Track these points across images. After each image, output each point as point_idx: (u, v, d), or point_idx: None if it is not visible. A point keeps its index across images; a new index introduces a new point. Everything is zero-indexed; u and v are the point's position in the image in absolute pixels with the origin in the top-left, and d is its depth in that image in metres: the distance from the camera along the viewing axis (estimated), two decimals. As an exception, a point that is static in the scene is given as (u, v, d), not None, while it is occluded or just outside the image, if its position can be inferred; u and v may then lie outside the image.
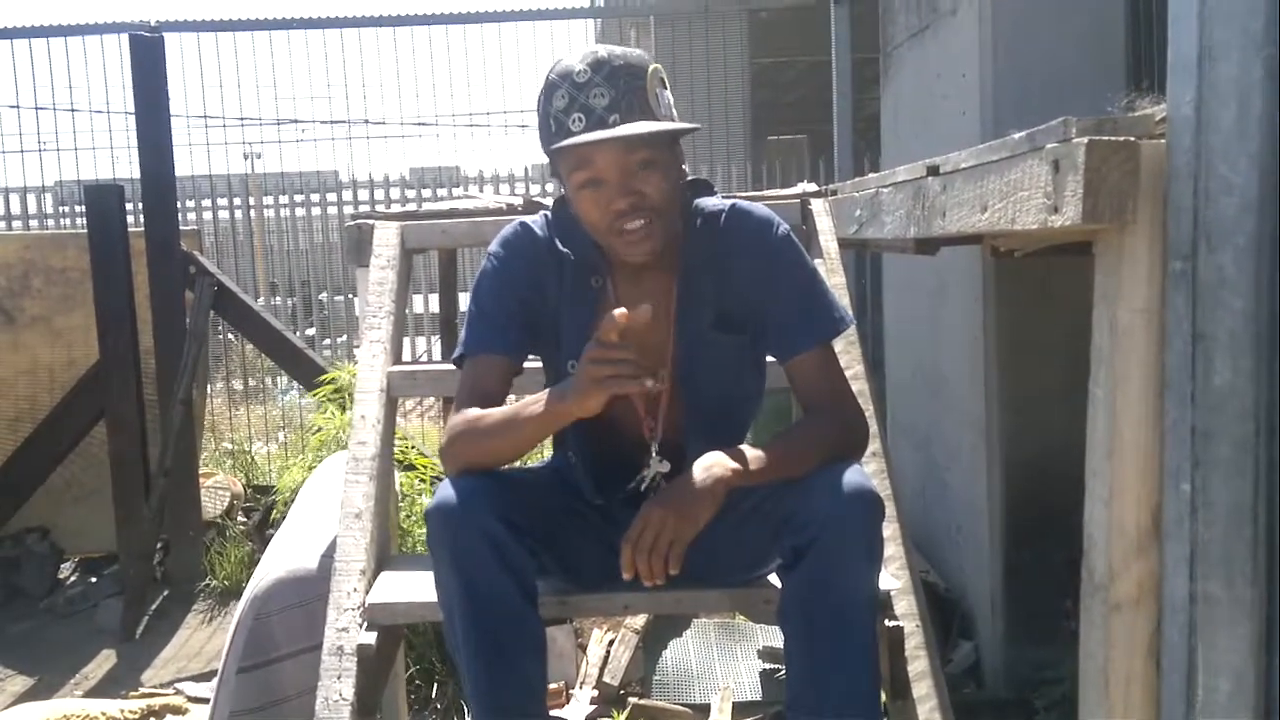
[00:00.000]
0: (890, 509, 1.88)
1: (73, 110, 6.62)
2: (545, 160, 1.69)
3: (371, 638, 1.78)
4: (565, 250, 1.72)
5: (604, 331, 1.49)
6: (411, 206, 4.90)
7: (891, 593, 1.81)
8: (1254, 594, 1.30)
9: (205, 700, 2.69)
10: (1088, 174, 1.29)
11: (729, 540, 1.66)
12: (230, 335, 6.63)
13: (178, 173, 4.56)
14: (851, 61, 5.15)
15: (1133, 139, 1.32)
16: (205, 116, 6.56)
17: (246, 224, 7.78)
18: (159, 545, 4.29)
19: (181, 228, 4.49)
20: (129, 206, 4.40)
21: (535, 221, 1.77)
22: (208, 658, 3.61)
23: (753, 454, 1.58)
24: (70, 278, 4.42)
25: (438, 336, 4.43)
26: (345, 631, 1.80)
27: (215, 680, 2.30)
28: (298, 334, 6.07)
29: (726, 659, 3.15)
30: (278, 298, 7.98)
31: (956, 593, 3.35)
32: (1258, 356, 1.28)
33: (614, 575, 1.56)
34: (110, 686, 3.43)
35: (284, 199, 7.80)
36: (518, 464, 1.89)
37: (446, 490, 1.56)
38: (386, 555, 2.08)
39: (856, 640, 1.54)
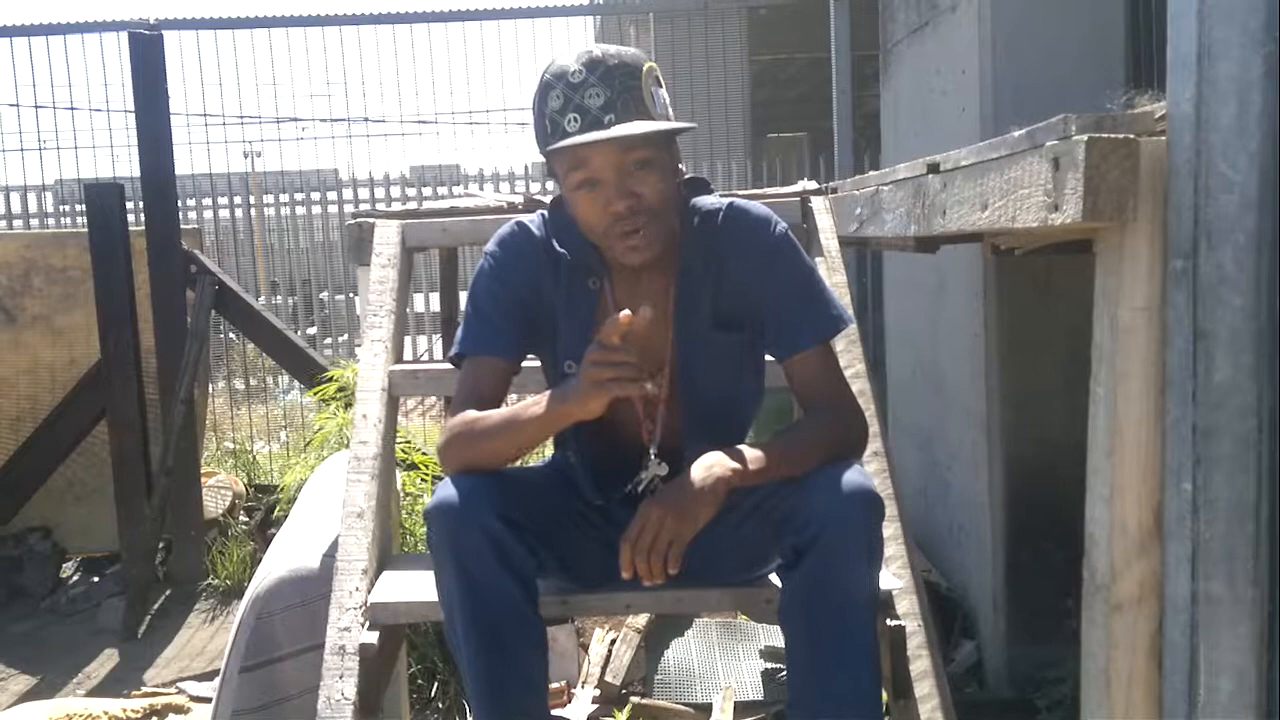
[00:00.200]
0: (891, 508, 1.88)
1: (72, 109, 6.62)
2: (544, 160, 1.69)
3: (374, 637, 1.78)
4: (562, 250, 1.72)
5: (605, 334, 1.49)
6: (412, 205, 4.90)
7: (893, 592, 1.81)
8: (1256, 593, 1.30)
9: (207, 700, 2.70)
10: (1088, 171, 1.29)
11: (729, 540, 1.66)
12: (231, 334, 6.63)
13: (178, 171, 4.56)
14: (851, 58, 5.15)
15: (1133, 136, 1.32)
16: (205, 115, 6.56)
17: (247, 222, 7.78)
18: (161, 545, 4.29)
19: (182, 226, 4.49)
20: (129, 205, 4.40)
21: (532, 221, 1.77)
22: (210, 657, 3.61)
23: (752, 453, 1.57)
24: (71, 277, 4.42)
25: (439, 335, 4.43)
26: (347, 631, 1.80)
27: (217, 680, 2.30)
28: (299, 333, 6.08)
29: (728, 658, 3.15)
30: (278, 296, 7.98)
31: (958, 592, 3.35)
32: (1259, 354, 1.28)
33: (615, 574, 1.56)
34: (112, 686, 3.43)
35: (284, 197, 7.80)
36: (518, 463, 1.89)
37: (447, 489, 1.56)
38: (388, 554, 2.08)
39: (858, 640, 1.54)
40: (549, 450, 1.94)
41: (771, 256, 1.70)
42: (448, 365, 1.90)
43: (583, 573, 1.76)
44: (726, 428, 1.71)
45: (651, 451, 1.71)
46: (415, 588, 1.84)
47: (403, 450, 3.32)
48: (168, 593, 4.23)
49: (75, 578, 4.42)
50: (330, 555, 2.03)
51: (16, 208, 7.37)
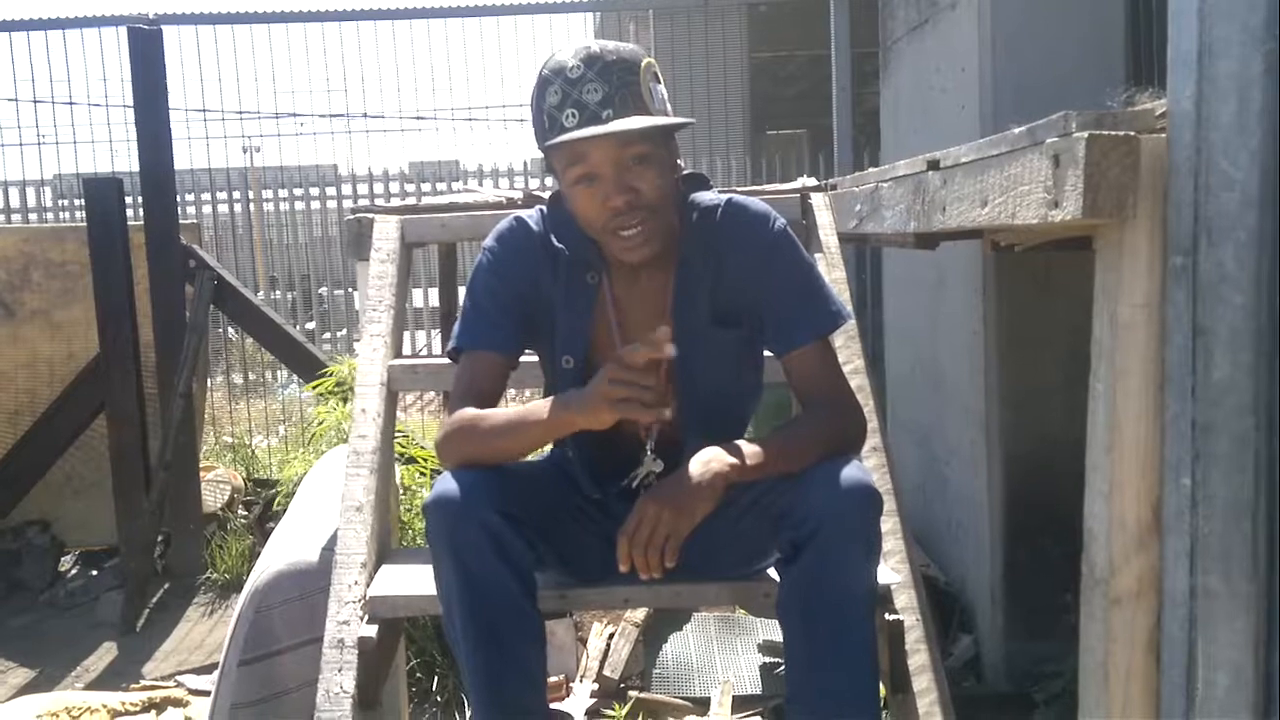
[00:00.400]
0: (890, 503, 1.89)
1: (71, 103, 6.61)
2: (543, 156, 1.69)
3: (372, 630, 1.78)
4: (560, 246, 1.72)
5: (630, 354, 1.50)
6: (411, 200, 4.90)
7: (891, 587, 1.81)
8: (1253, 588, 1.31)
9: (206, 693, 2.70)
10: (1088, 169, 1.29)
11: (728, 534, 1.66)
12: (230, 329, 6.62)
13: (177, 166, 4.55)
14: (851, 56, 5.14)
15: (1133, 134, 1.32)
16: (204, 110, 6.55)
17: (246, 218, 7.77)
18: (159, 538, 4.29)
19: (181, 221, 4.49)
20: (128, 200, 4.39)
21: (531, 216, 1.77)
22: (208, 651, 3.61)
23: (751, 449, 1.58)
24: (70, 271, 4.42)
25: (438, 330, 4.44)
26: (346, 624, 1.81)
27: (216, 673, 2.31)
28: (297, 327, 6.07)
29: (726, 653, 3.15)
30: (277, 291, 7.98)
31: (956, 587, 3.35)
32: (1258, 351, 1.29)
33: (613, 569, 1.56)
34: (111, 679, 3.44)
35: (283, 193, 7.79)
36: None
37: (445, 483, 1.56)
38: (387, 548, 2.09)
39: (855, 634, 1.54)
40: (547, 447, 1.94)
41: (770, 252, 1.70)
42: (446, 360, 1.90)
43: (581, 567, 1.76)
44: (725, 423, 1.72)
45: (649, 446, 1.72)
46: (414, 582, 1.84)
47: (401, 445, 3.33)
48: (166, 586, 4.23)
49: (74, 571, 4.42)
50: (329, 549, 2.03)
51: (15, 202, 7.36)
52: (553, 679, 2.88)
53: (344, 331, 7.57)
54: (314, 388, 3.95)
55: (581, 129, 1.55)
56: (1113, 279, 1.39)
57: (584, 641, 3.12)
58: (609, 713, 2.85)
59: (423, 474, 3.39)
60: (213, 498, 4.57)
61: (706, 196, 1.75)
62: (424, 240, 2.58)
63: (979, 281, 3.04)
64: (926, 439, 3.71)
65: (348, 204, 7.28)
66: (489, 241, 1.77)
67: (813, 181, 2.70)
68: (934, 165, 1.88)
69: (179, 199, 4.92)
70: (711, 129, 7.01)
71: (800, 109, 10.96)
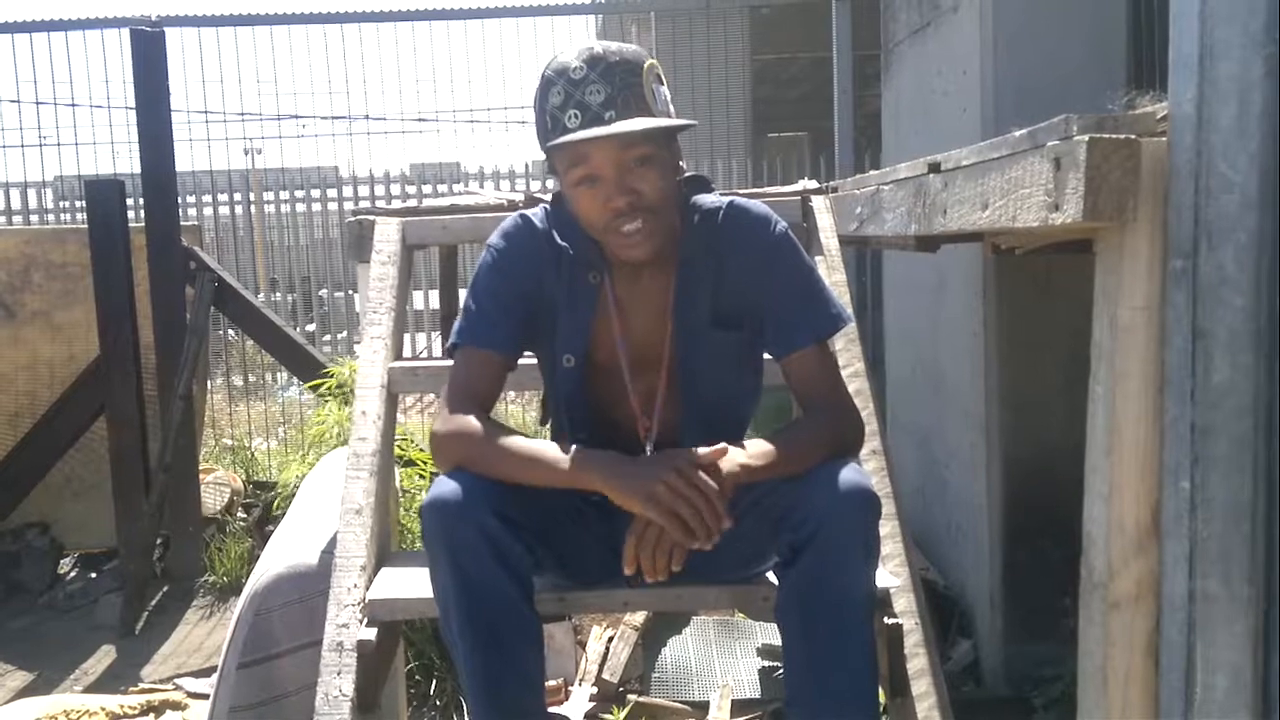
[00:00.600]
0: (890, 507, 1.89)
1: (73, 105, 6.62)
2: (545, 156, 1.69)
3: (372, 633, 1.78)
4: (564, 244, 1.72)
5: (710, 476, 1.50)
6: (412, 202, 4.90)
7: (891, 590, 1.81)
8: (1252, 591, 1.31)
9: (205, 696, 2.69)
10: (1089, 171, 1.29)
11: (728, 537, 1.65)
12: (230, 331, 6.62)
13: (178, 168, 4.55)
14: (852, 58, 5.15)
15: (1134, 137, 1.32)
16: (206, 112, 6.56)
17: (247, 219, 7.78)
18: (159, 541, 4.29)
19: (182, 223, 4.49)
20: (129, 201, 4.40)
21: (535, 214, 1.77)
22: (207, 653, 3.61)
23: (755, 451, 1.58)
24: (70, 273, 4.42)
25: (438, 333, 4.44)
26: (345, 627, 1.80)
27: (215, 676, 2.31)
28: (298, 330, 6.07)
29: (726, 656, 3.15)
30: (278, 293, 7.98)
31: (956, 590, 3.35)
32: (1257, 354, 1.29)
33: (612, 572, 1.56)
34: (110, 682, 3.43)
35: (284, 194, 7.80)
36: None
37: (443, 485, 1.56)
38: (387, 551, 2.08)
39: (854, 637, 1.54)
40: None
41: (771, 255, 1.71)
42: (447, 362, 1.89)
43: (580, 570, 1.76)
44: (724, 425, 1.71)
45: (648, 448, 1.72)
46: (413, 584, 1.84)
47: (401, 447, 3.33)
48: (165, 589, 4.23)
49: (73, 574, 4.42)
50: (329, 552, 2.03)
51: (16, 203, 7.36)
52: (551, 682, 2.88)
53: (344, 334, 7.58)
54: (313, 386, 3.95)
55: (584, 130, 1.55)
56: (1113, 282, 1.39)
57: (583, 645, 3.11)
58: (607, 716, 2.85)
59: (422, 476, 3.39)
60: (212, 500, 4.57)
61: (708, 199, 1.75)
62: (425, 242, 2.58)
63: (979, 284, 3.04)
64: (926, 442, 3.71)
65: (349, 206, 7.29)
66: (494, 239, 1.76)
67: (813, 184, 2.70)
68: (935, 168, 1.88)
69: (180, 201, 4.92)
70: (713, 131, 7.01)
71: (801, 111, 10.96)
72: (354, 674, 1.76)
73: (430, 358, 3.13)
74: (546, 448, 1.59)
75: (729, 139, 7.40)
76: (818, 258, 2.36)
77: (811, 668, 1.54)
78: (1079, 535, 1.47)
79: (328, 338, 7.69)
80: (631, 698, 2.93)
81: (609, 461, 1.55)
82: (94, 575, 4.32)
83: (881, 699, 1.74)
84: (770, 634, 3.10)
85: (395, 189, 7.53)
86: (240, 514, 4.65)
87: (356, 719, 1.73)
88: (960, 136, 2.92)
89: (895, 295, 4.33)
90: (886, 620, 1.76)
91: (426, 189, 7.30)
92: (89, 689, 3.37)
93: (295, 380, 5.47)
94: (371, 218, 2.51)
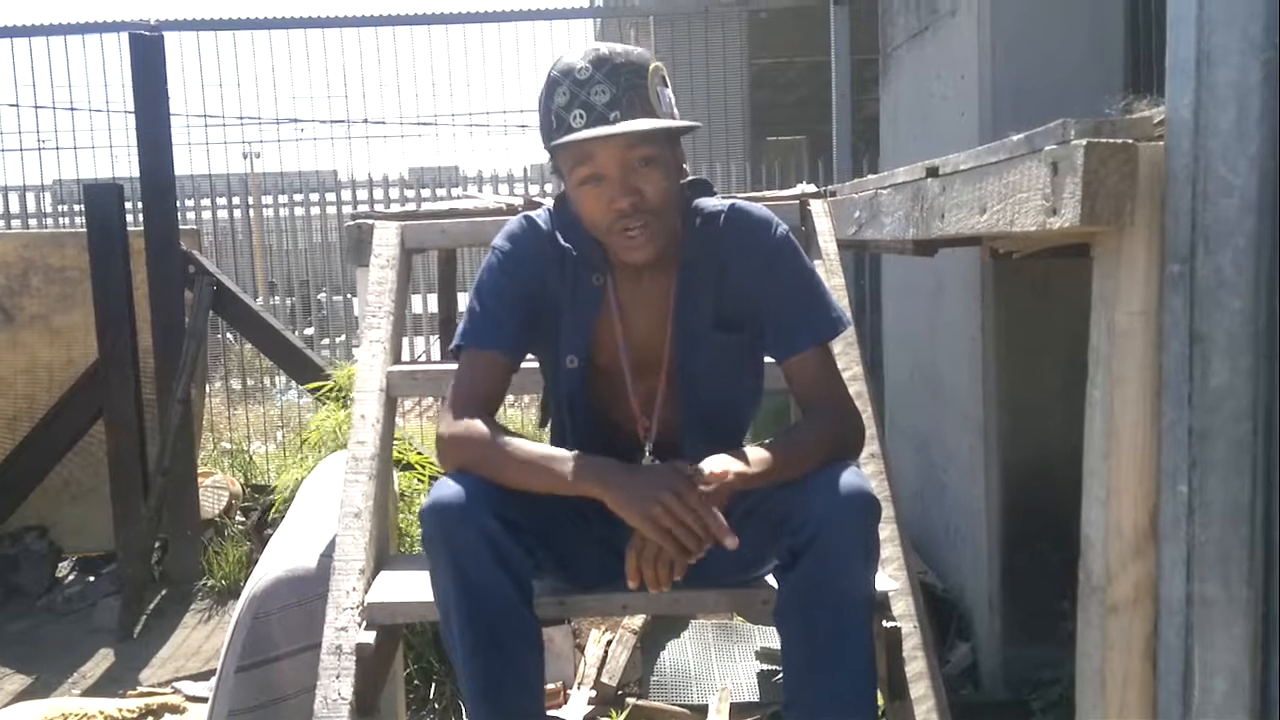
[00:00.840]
0: (888, 510, 1.89)
1: (72, 109, 6.62)
2: (544, 160, 1.70)
3: (370, 637, 1.78)
4: (567, 245, 1.72)
5: (710, 499, 1.50)
6: (411, 206, 4.90)
7: (889, 593, 1.81)
8: (1250, 594, 1.31)
9: (203, 699, 2.69)
10: (1086, 176, 1.29)
11: (727, 541, 1.66)
12: (229, 334, 6.62)
13: (177, 172, 4.55)
14: (851, 62, 5.15)
15: (1131, 141, 1.33)
16: (205, 116, 6.56)
17: (245, 223, 7.78)
18: (157, 544, 4.28)
19: (180, 227, 4.49)
20: (128, 205, 4.40)
21: (539, 215, 1.78)
22: (206, 657, 3.61)
23: (755, 456, 1.58)
24: (69, 277, 4.42)
25: (437, 336, 4.44)
26: (344, 631, 1.80)
27: (213, 679, 2.30)
28: (296, 333, 6.07)
29: (724, 660, 3.15)
30: (276, 297, 7.98)
31: (954, 594, 3.35)
32: (1255, 357, 1.29)
33: (612, 575, 1.57)
34: (108, 685, 3.43)
35: (283, 198, 7.80)
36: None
37: (443, 488, 1.56)
38: (385, 555, 2.08)
39: (853, 640, 1.54)
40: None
41: (772, 258, 1.71)
42: (446, 366, 1.90)
43: (580, 573, 1.76)
44: (724, 428, 1.72)
45: (647, 449, 1.72)
46: (412, 588, 1.84)
47: (399, 451, 3.33)
48: (164, 592, 4.23)
49: (71, 577, 4.41)
50: (327, 555, 2.03)
51: (15, 207, 7.36)
52: (550, 686, 2.88)
53: (343, 337, 7.58)
54: (312, 388, 3.95)
55: (589, 129, 1.56)
56: (1110, 286, 1.39)
57: (582, 648, 3.11)
58: None
59: (421, 480, 3.39)
60: (210, 504, 4.57)
61: (710, 202, 1.75)
62: (424, 246, 2.58)
63: (977, 288, 3.04)
64: (925, 445, 3.71)
65: (347, 210, 7.30)
66: (499, 240, 1.77)
67: (812, 188, 2.70)
68: (933, 172, 1.88)
69: (179, 204, 4.92)
70: (711, 135, 7.02)
71: (800, 115, 10.97)
72: (353, 677, 1.76)
73: (429, 361, 3.14)
74: (550, 454, 1.60)
75: (727, 143, 7.40)
76: (816, 261, 2.36)
77: (811, 671, 1.54)
78: (1077, 539, 1.47)
79: (326, 341, 7.70)
80: (630, 701, 2.93)
81: (610, 472, 1.56)
82: (92, 579, 4.31)
83: (880, 702, 1.75)
84: (769, 637, 3.10)
85: (394, 193, 7.53)
86: (239, 517, 4.65)
87: (355, 722, 1.73)
88: (958, 141, 2.93)
89: (893, 299, 4.33)
90: (885, 623, 1.76)
91: (425, 193, 7.30)
92: (87, 692, 3.37)
93: (294, 384, 5.47)
94: (370, 222, 2.52)
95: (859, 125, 5.48)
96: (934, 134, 3.46)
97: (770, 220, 1.73)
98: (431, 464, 3.40)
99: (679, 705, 2.94)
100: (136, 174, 4.44)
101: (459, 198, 3.54)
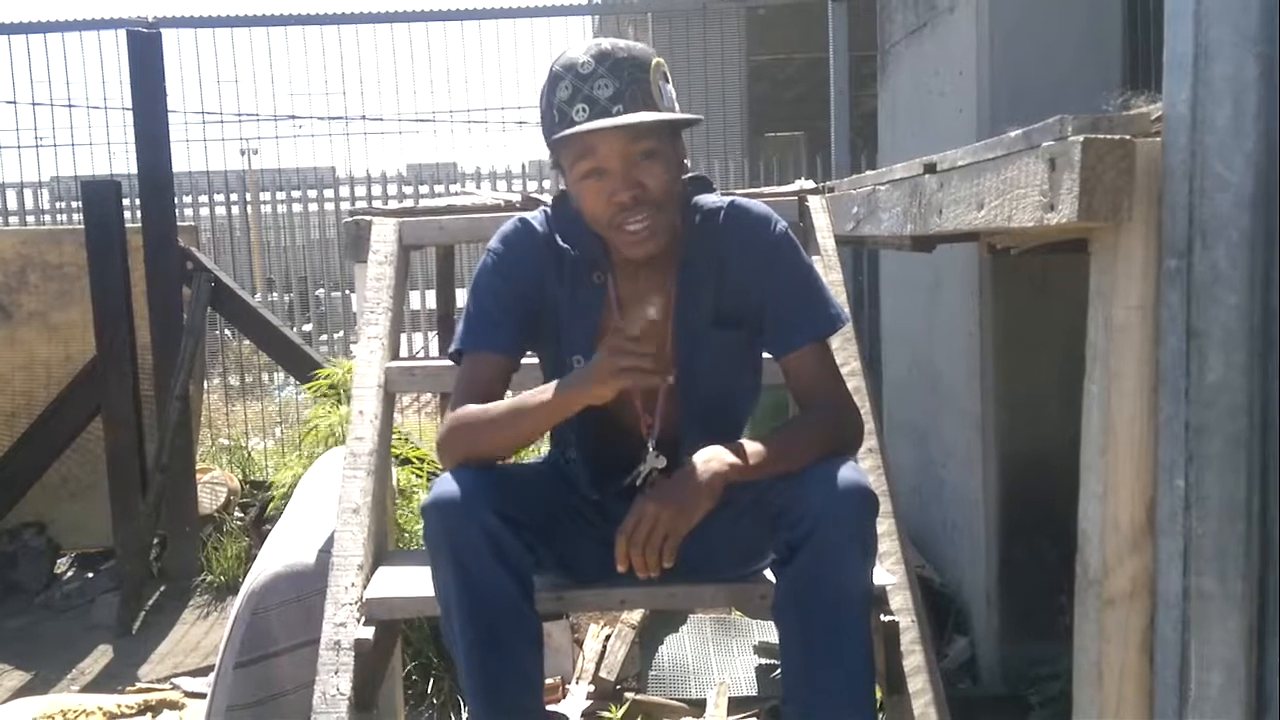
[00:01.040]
0: (886, 505, 1.89)
1: (70, 106, 6.61)
2: (543, 156, 1.71)
3: (369, 633, 1.79)
4: (565, 246, 1.72)
5: (630, 324, 1.52)
6: (409, 203, 4.89)
7: (887, 588, 1.81)
8: (1246, 588, 1.31)
9: (202, 695, 2.70)
10: (1083, 172, 1.30)
11: (725, 535, 1.67)
12: (227, 331, 6.62)
13: (175, 168, 4.55)
14: (849, 59, 5.15)
15: (1128, 137, 1.33)
16: (203, 112, 6.55)
17: (244, 220, 7.77)
18: (155, 540, 4.29)
19: (179, 223, 4.49)
20: (126, 202, 4.40)
21: (534, 217, 1.78)
22: (204, 653, 3.61)
23: (750, 449, 1.58)
24: (67, 273, 4.42)
25: (435, 332, 4.44)
26: (343, 626, 1.81)
27: (212, 675, 2.31)
28: (294, 330, 6.07)
29: (722, 654, 3.15)
30: (275, 293, 7.97)
31: (952, 588, 3.36)
32: (1251, 352, 1.29)
33: (610, 571, 1.57)
34: (106, 682, 3.43)
35: (281, 195, 7.79)
36: (513, 460, 1.89)
37: (444, 485, 1.57)
38: (384, 550, 2.09)
39: (851, 635, 1.55)
40: (544, 448, 1.95)
41: (772, 255, 1.71)
42: (444, 362, 1.90)
43: (579, 569, 1.76)
44: (724, 424, 1.72)
45: (650, 444, 1.72)
46: (411, 583, 1.84)
47: (398, 447, 3.33)
48: (162, 589, 4.23)
49: (70, 574, 4.41)
50: (326, 551, 2.03)
51: (13, 204, 7.35)
52: (549, 681, 2.89)
53: (341, 334, 7.57)
54: (311, 387, 3.95)
55: (591, 122, 1.56)
56: (1107, 281, 1.39)
57: (580, 643, 3.12)
58: (605, 715, 2.85)
59: (419, 476, 3.39)
60: (209, 500, 4.57)
61: (709, 199, 1.76)
62: (422, 243, 2.58)
63: (975, 284, 3.04)
64: (923, 440, 3.71)
65: (345, 206, 7.29)
66: (493, 243, 1.77)
67: (810, 184, 2.71)
68: (931, 168, 1.88)
69: (176, 201, 4.91)
70: (709, 131, 7.01)
71: (798, 112, 10.97)
72: (351, 673, 1.76)
73: (427, 357, 3.14)
74: (525, 397, 1.63)
75: (725, 139, 7.40)
76: (814, 257, 2.37)
77: (808, 665, 1.55)
78: (1075, 533, 1.48)
79: (324, 338, 7.69)
80: (629, 696, 2.94)
81: (569, 378, 1.60)
82: (91, 575, 4.31)
83: (878, 696, 1.75)
84: (767, 632, 3.11)
85: (392, 189, 7.52)
86: (237, 513, 4.65)
87: (354, 718, 1.74)
88: (956, 137, 2.93)
89: (891, 295, 4.33)
90: (883, 618, 1.77)
91: (423, 189, 7.29)
92: (86, 689, 3.37)
93: (292, 380, 5.46)
94: (368, 218, 2.52)
95: (857, 121, 5.48)
96: (932, 130, 3.47)
97: (769, 217, 1.74)
98: (430, 460, 3.40)
99: (677, 700, 2.95)
100: (134, 171, 4.43)
101: (457, 194, 3.54)
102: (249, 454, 5.72)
